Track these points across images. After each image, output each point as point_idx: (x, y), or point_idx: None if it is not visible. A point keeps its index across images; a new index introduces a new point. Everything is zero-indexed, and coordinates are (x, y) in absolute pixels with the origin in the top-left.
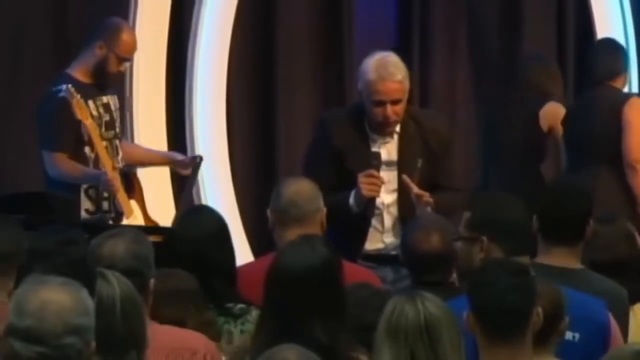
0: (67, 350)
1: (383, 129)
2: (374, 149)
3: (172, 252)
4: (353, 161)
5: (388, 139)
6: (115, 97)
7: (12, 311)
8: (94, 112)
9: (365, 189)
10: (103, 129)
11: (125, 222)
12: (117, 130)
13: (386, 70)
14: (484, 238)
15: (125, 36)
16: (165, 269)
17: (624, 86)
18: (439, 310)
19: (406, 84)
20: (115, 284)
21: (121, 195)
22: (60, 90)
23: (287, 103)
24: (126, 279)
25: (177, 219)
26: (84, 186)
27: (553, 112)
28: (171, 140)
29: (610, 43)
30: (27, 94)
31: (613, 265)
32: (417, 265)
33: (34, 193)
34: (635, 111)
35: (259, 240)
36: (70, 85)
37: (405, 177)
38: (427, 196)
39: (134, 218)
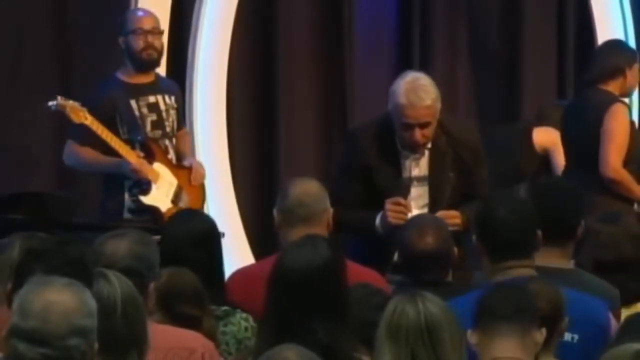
0: (71, 351)
1: (412, 150)
2: (405, 167)
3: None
4: (382, 178)
5: (419, 154)
6: (171, 96)
7: (15, 312)
8: (136, 112)
9: (392, 217)
10: (148, 128)
11: (154, 187)
12: (168, 129)
13: (416, 95)
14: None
15: (128, 14)
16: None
17: (621, 89)
18: (440, 310)
19: (436, 107)
20: (116, 284)
21: (146, 168)
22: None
23: (287, 103)
24: (127, 278)
25: (168, 220)
26: (128, 185)
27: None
28: None
29: (611, 43)
30: (27, 93)
31: (617, 264)
32: (412, 264)
33: (31, 193)
34: (615, 119)
35: (259, 240)
36: (60, 97)
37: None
38: (452, 217)
39: (162, 179)
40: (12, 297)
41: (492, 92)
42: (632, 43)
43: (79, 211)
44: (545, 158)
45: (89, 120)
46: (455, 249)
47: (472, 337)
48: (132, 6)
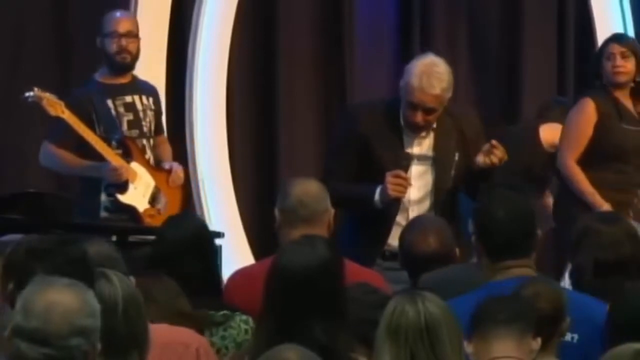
0: (73, 351)
1: (412, 130)
2: (408, 144)
3: (153, 255)
4: (382, 153)
5: (424, 133)
6: (149, 97)
7: (18, 312)
8: (112, 112)
9: (392, 189)
10: (125, 128)
11: (131, 186)
12: (145, 129)
13: (428, 81)
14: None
15: (106, 15)
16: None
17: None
18: (440, 310)
19: (445, 95)
20: (117, 284)
21: (125, 168)
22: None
23: (287, 103)
24: (128, 279)
25: (162, 224)
26: (104, 184)
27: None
28: (171, 140)
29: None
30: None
31: (616, 264)
32: (415, 266)
33: (31, 193)
34: (574, 112)
35: (259, 240)
36: (37, 88)
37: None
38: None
39: (140, 179)
40: (13, 297)
41: (492, 92)
42: None
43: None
44: (553, 155)
45: (66, 114)
46: (457, 250)
47: (468, 347)
48: (132, 7)
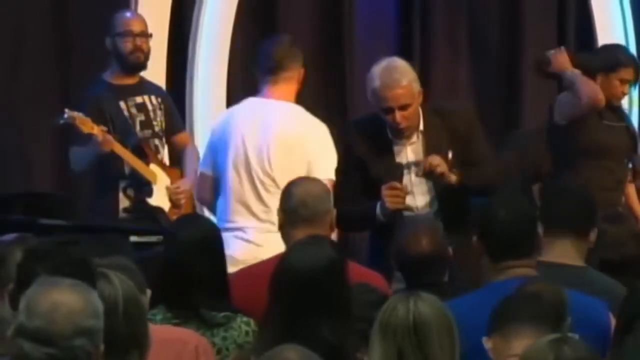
0: (76, 351)
1: (399, 135)
2: (398, 153)
3: (163, 255)
4: (377, 169)
5: (413, 139)
6: (158, 97)
7: (22, 312)
8: (125, 113)
9: (389, 202)
10: (137, 128)
11: (155, 188)
12: (157, 129)
13: (390, 77)
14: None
15: (117, 16)
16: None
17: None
18: (432, 310)
19: (414, 88)
20: (117, 284)
21: (142, 169)
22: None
23: None
24: (128, 279)
25: (171, 225)
26: (122, 185)
27: None
28: None
29: (601, 46)
30: (27, 94)
31: (621, 264)
32: (408, 268)
33: (31, 193)
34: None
35: None
36: (67, 110)
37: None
38: (437, 164)
39: (160, 179)
40: (15, 298)
41: (492, 92)
42: (632, 43)
43: (79, 211)
44: None
45: (95, 130)
46: (450, 249)
47: (487, 342)
48: (132, 6)
